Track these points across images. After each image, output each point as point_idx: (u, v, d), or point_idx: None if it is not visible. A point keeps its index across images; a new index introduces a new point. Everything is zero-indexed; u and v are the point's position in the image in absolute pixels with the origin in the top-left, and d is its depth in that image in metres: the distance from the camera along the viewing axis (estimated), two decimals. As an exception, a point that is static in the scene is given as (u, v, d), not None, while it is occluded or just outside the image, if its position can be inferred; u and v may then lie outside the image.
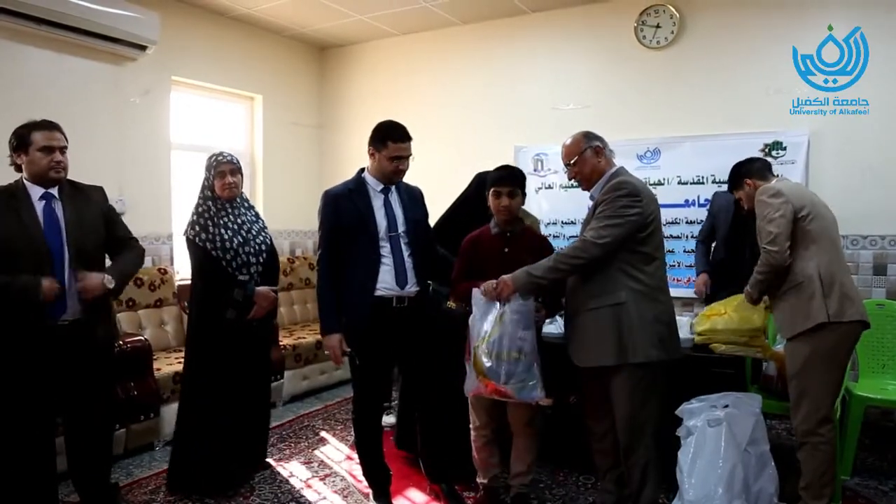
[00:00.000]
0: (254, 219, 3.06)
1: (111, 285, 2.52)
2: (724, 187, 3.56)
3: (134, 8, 4.00)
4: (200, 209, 2.93)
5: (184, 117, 4.85)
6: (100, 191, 2.72)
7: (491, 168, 3.32)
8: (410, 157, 2.67)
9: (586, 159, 2.50)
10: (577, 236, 2.58)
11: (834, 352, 2.48)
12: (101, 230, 2.63)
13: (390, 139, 2.59)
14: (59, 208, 2.51)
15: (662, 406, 2.48)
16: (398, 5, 4.71)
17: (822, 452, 2.46)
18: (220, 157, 2.95)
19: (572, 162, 2.53)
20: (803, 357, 2.47)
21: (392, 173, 2.64)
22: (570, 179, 2.62)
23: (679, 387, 2.59)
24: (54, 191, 2.52)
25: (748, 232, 3.23)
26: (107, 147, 4.11)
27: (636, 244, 2.39)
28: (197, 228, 2.89)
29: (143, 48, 4.16)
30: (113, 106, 4.20)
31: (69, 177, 2.60)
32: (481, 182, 3.10)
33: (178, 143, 4.75)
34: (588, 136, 2.54)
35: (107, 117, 4.16)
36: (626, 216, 2.34)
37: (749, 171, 2.76)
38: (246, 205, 3.07)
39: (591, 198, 2.54)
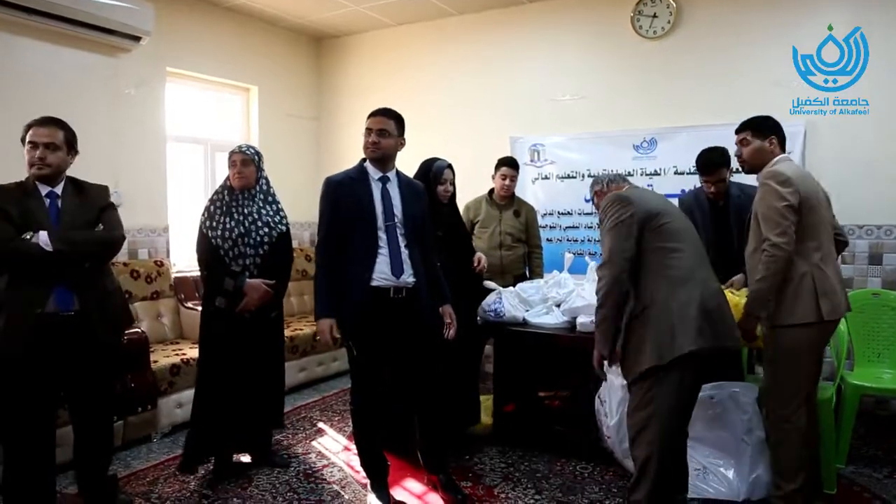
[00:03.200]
0: (269, 211, 3.04)
1: (48, 248, 2.33)
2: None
3: (128, -2, 3.97)
4: (214, 197, 3.03)
5: (179, 109, 4.83)
6: (102, 190, 2.67)
7: (489, 159, 3.33)
8: (394, 138, 2.66)
9: None
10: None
11: (818, 346, 2.48)
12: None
13: (368, 116, 2.68)
14: (59, 207, 2.50)
15: (678, 405, 2.24)
16: (394, -5, 4.69)
17: (795, 438, 2.45)
18: (235, 148, 3.02)
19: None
20: (785, 348, 2.44)
21: (366, 148, 2.67)
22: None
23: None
24: (58, 189, 2.50)
25: (727, 222, 3.21)
26: (102, 139, 4.08)
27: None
28: (206, 215, 2.98)
29: (137, 39, 4.13)
30: (108, 97, 4.17)
31: (70, 173, 2.58)
32: (426, 170, 3.13)
33: (174, 135, 4.73)
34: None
35: (101, 109, 4.13)
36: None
37: (779, 130, 2.57)
38: (263, 197, 3.04)
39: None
